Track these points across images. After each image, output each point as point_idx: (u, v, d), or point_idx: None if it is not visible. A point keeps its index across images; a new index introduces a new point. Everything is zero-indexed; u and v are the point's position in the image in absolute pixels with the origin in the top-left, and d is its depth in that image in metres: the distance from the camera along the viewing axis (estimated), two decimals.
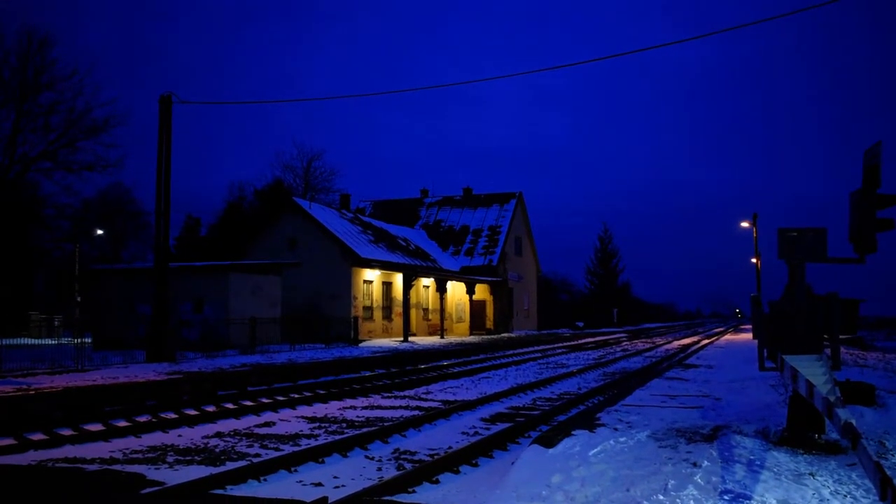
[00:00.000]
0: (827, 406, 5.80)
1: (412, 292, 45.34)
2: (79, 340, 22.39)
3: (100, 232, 62.28)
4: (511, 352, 36.50)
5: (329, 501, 7.20)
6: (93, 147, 50.09)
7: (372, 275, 43.63)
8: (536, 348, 40.12)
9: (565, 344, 45.71)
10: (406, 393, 18.16)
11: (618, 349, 40.33)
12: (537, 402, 16.17)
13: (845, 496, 6.55)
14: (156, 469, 9.25)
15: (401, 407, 15.42)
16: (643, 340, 53.42)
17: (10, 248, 46.71)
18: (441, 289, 47.05)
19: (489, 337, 48.88)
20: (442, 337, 45.72)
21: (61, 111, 48.16)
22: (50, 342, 34.65)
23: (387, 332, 44.77)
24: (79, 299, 45.58)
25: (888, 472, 4.65)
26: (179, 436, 11.97)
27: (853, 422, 5.21)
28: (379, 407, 15.47)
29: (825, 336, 9.28)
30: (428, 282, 49.81)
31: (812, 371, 7.33)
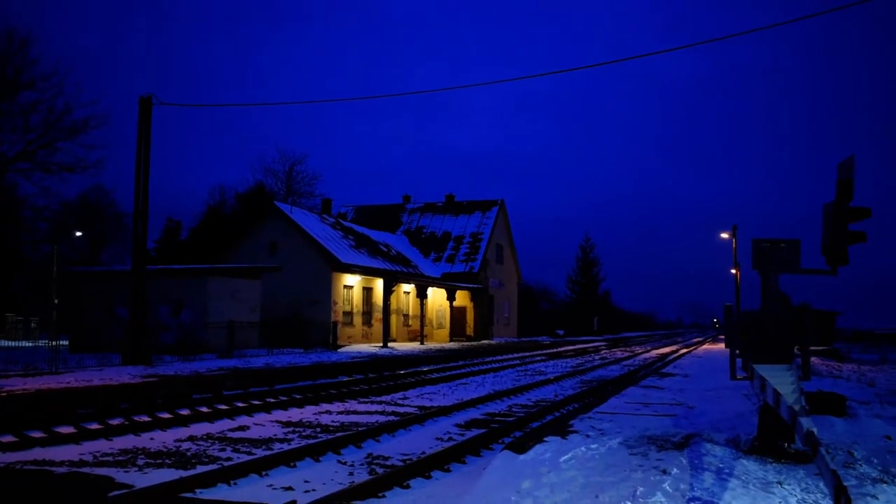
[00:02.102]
0: (791, 415, 5.85)
1: (393, 298, 45.29)
2: (54, 343, 22.21)
3: (79, 234, 61.87)
4: (490, 358, 36.52)
5: None
6: (72, 148, 49.68)
7: (352, 280, 43.55)
8: (516, 355, 40.18)
9: (545, 352, 45.81)
10: (383, 398, 18.13)
11: (596, 357, 40.46)
12: (513, 409, 16.19)
13: None
14: (125, 472, 9.19)
15: (377, 412, 15.40)
16: (622, 349, 53.61)
17: None
18: (422, 295, 47.02)
19: (469, 343, 48.88)
20: (422, 343, 45.67)
21: (41, 111, 47.67)
22: (26, 344, 34.37)
23: (367, 338, 44.69)
24: (56, 301, 45.22)
25: (843, 481, 4.70)
26: (151, 439, 11.90)
27: (814, 430, 5.26)
28: (355, 412, 15.44)
29: (797, 346, 9.35)
30: (409, 288, 49.76)
31: (781, 381, 7.39)
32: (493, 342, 52.57)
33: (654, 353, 47.64)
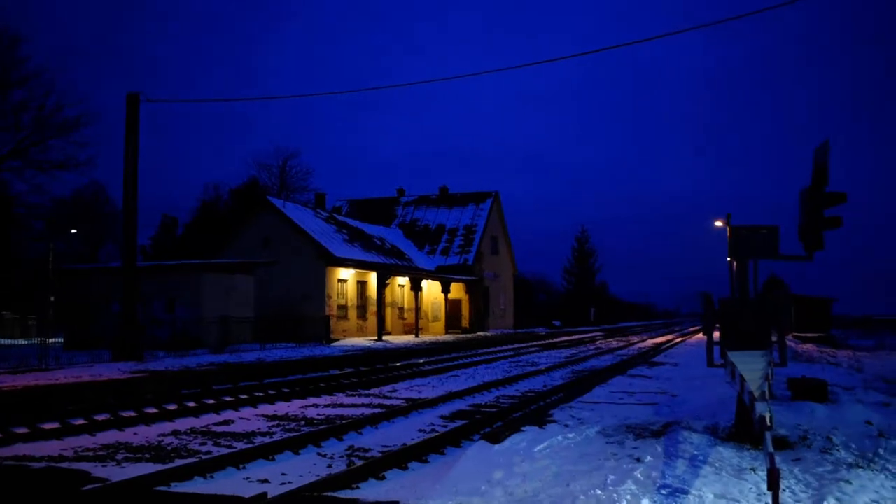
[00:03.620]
0: (751, 400, 5.86)
1: (387, 291, 45.29)
2: (43, 340, 22.21)
3: (74, 231, 61.75)
4: (483, 350, 36.54)
5: (268, 497, 7.18)
6: (63, 146, 49.43)
7: (346, 274, 43.54)
8: (510, 347, 40.20)
9: (539, 343, 45.83)
10: (371, 391, 18.13)
11: (591, 347, 40.48)
12: (500, 400, 16.18)
13: (783, 490, 6.57)
14: (103, 466, 9.19)
15: (363, 405, 15.40)
16: (618, 339, 53.64)
17: None
18: (416, 288, 47.02)
19: (464, 336, 48.89)
20: (417, 336, 45.67)
21: (32, 109, 47.59)
22: (22, 342, 34.33)
23: (361, 332, 44.69)
24: (52, 299, 45.16)
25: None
26: (135, 434, 11.90)
27: (767, 415, 5.27)
28: (341, 405, 15.44)
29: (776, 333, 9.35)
30: (403, 281, 49.75)
31: (753, 367, 7.38)
32: (488, 334, 52.58)
33: (650, 342, 47.66)
